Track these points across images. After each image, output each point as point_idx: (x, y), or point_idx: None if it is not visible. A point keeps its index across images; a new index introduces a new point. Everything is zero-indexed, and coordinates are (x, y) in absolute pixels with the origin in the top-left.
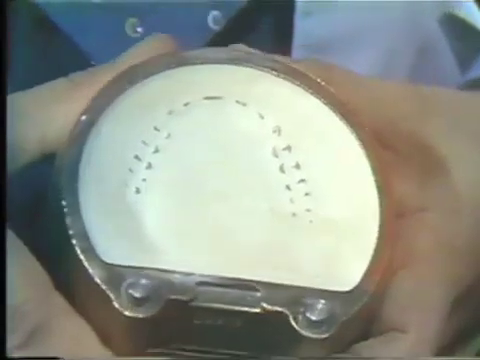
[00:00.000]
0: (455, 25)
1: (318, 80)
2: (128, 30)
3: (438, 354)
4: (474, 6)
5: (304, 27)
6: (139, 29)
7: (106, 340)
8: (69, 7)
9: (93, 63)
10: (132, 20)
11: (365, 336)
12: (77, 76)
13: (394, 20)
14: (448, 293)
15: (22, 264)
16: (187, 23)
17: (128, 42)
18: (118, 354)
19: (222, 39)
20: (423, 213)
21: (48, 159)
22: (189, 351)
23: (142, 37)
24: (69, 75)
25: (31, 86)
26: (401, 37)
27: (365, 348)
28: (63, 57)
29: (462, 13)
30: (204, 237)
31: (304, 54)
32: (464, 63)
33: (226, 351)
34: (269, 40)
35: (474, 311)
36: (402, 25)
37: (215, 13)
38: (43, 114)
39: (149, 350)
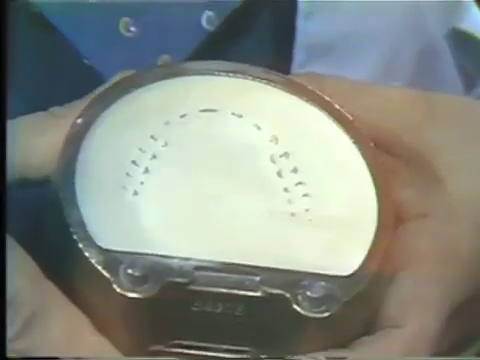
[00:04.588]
0: (461, 40)
1: (314, 89)
2: (122, 30)
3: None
4: None
5: (306, 28)
6: (133, 29)
7: (105, 329)
8: (64, 6)
9: (87, 62)
10: (126, 19)
11: (365, 333)
12: (57, 110)
13: (396, 22)
14: (447, 295)
15: (11, 256)
16: (181, 23)
17: (122, 41)
18: (117, 343)
19: (216, 39)
20: (423, 219)
21: (27, 183)
22: (188, 348)
23: (136, 37)
24: (49, 109)
25: (30, 86)
26: (403, 39)
27: (361, 344)
28: (59, 56)
29: (469, 27)
30: (202, 232)
31: (306, 55)
32: (469, 79)
33: (226, 347)
34: (267, 41)
35: (476, 317)
36: (404, 27)
37: (209, 13)
38: (25, 142)
39: (149, 348)
